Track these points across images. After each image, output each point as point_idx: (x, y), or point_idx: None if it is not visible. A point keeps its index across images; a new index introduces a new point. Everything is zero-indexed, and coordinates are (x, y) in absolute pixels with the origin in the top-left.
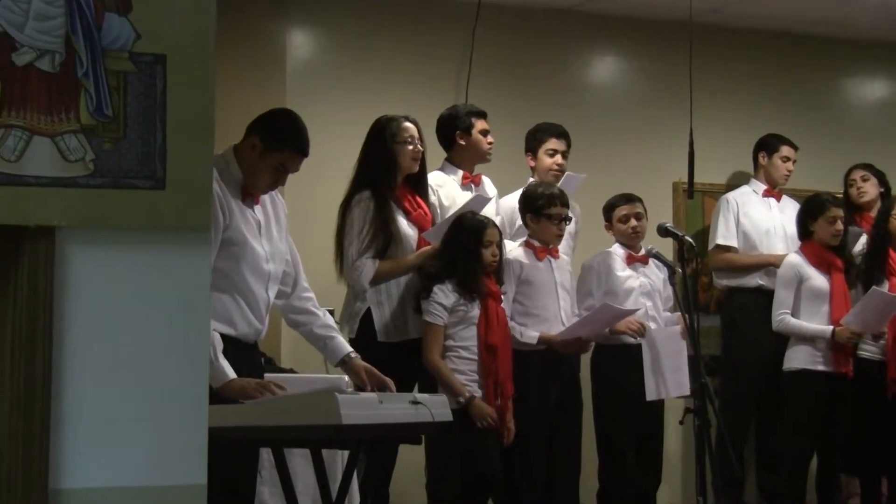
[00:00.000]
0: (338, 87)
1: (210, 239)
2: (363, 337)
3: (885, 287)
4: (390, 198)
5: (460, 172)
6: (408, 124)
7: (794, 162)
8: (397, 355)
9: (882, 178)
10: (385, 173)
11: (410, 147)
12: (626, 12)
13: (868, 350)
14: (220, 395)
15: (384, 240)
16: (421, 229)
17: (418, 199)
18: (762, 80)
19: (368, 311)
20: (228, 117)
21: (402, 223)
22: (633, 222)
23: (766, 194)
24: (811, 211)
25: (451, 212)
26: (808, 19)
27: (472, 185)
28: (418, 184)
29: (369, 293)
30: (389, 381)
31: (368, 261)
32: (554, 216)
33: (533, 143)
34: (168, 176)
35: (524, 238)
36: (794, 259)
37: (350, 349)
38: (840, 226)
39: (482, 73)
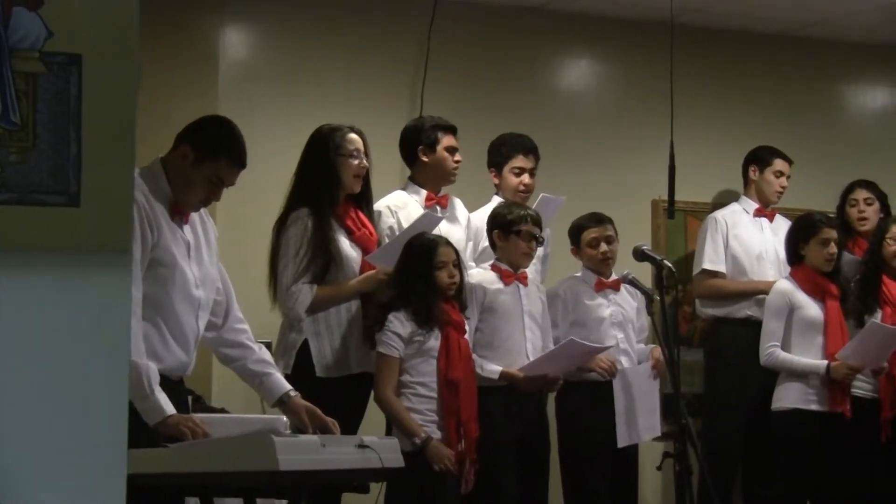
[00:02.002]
0: (276, 91)
1: (130, 261)
2: (300, 372)
3: (878, 317)
4: (331, 215)
5: (424, 193)
6: (353, 136)
7: (789, 177)
8: (339, 392)
9: (884, 201)
10: (326, 189)
11: (355, 161)
12: (601, 11)
13: (860, 387)
14: (154, 433)
15: (323, 262)
16: (365, 251)
17: (362, 217)
18: (751, 87)
19: (305, 342)
20: (153, 125)
21: (344, 244)
22: (604, 247)
23: (758, 213)
24: (802, 232)
25: None
26: (802, 20)
27: (438, 207)
28: (363, 200)
29: (306, 323)
30: (333, 423)
31: (305, 286)
32: (524, 233)
33: (497, 158)
34: (83, 191)
35: (491, 261)
36: (785, 286)
37: (289, 387)
38: (834, 248)
39: (439, 77)
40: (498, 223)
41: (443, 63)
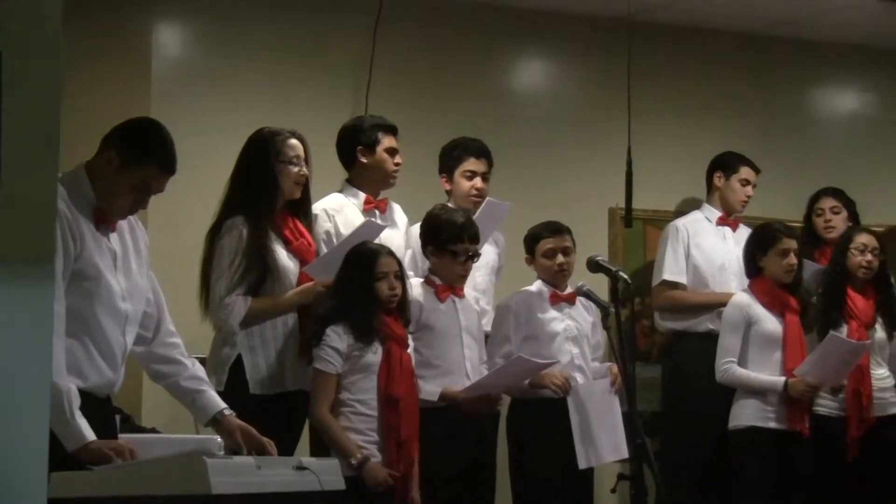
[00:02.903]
0: (213, 92)
1: (53, 272)
2: (233, 389)
3: (843, 332)
4: (268, 224)
5: (362, 196)
6: (294, 141)
7: (755, 186)
8: (274, 411)
9: (852, 209)
10: (263, 196)
11: (295, 168)
12: (556, 7)
13: (825, 405)
14: (74, 459)
15: (259, 273)
16: (303, 261)
17: (300, 227)
18: (715, 89)
19: (239, 358)
20: (79, 128)
21: (281, 254)
22: (560, 258)
23: (721, 222)
24: (760, 243)
25: None
26: (770, 18)
27: (377, 212)
28: (301, 208)
29: (240, 337)
30: (269, 443)
31: (239, 298)
32: (459, 253)
33: (449, 162)
34: (2, 198)
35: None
36: (742, 299)
37: (223, 405)
38: (793, 260)
39: (385, 77)
40: (431, 238)
41: (389, 62)
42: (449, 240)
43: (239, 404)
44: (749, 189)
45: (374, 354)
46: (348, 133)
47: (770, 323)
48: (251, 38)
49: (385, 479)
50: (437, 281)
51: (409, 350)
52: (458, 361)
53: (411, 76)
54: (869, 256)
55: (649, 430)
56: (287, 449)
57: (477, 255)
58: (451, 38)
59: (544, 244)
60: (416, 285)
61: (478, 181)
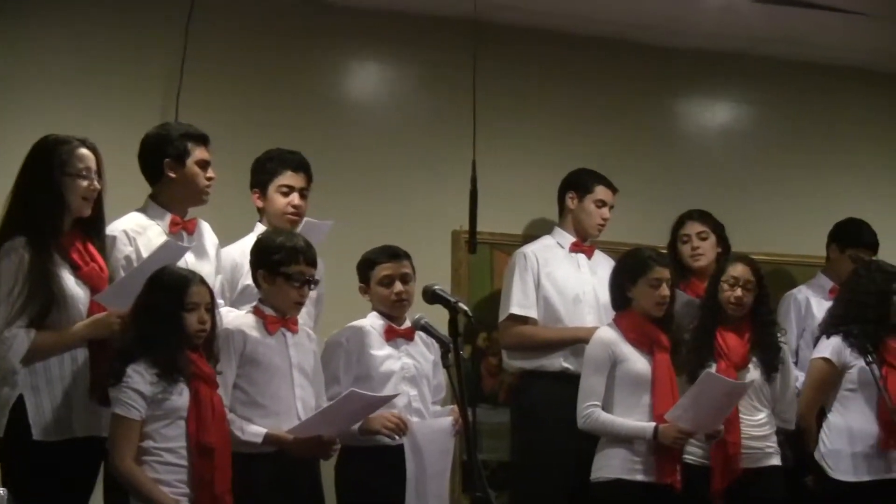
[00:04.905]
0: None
1: None
2: (14, 434)
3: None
4: (53, 247)
5: (168, 216)
6: (84, 151)
7: (612, 208)
8: (62, 459)
9: (721, 233)
10: (47, 214)
11: (84, 183)
12: (394, 5)
13: (692, 453)
14: None
15: (43, 303)
16: (94, 289)
17: (91, 249)
18: (572, 100)
19: (21, 399)
20: None
21: (69, 281)
22: (399, 286)
23: (574, 248)
24: (629, 271)
25: None
26: (632, 23)
27: (185, 234)
28: (92, 229)
29: (21, 375)
30: None
31: (21, 331)
32: (294, 276)
33: (262, 175)
34: None
35: (253, 304)
36: (606, 335)
37: None
38: (666, 291)
39: (199, 81)
40: (263, 261)
41: (203, 64)
42: (283, 261)
43: (21, 452)
44: (605, 211)
45: (180, 396)
46: (153, 143)
47: (638, 362)
48: (44, 37)
49: None
50: (268, 311)
51: (219, 390)
52: (287, 401)
53: (228, 80)
54: (739, 292)
55: (496, 482)
56: (78, 501)
57: (315, 281)
58: (274, 37)
59: (380, 270)
60: (239, 316)
61: (295, 198)
